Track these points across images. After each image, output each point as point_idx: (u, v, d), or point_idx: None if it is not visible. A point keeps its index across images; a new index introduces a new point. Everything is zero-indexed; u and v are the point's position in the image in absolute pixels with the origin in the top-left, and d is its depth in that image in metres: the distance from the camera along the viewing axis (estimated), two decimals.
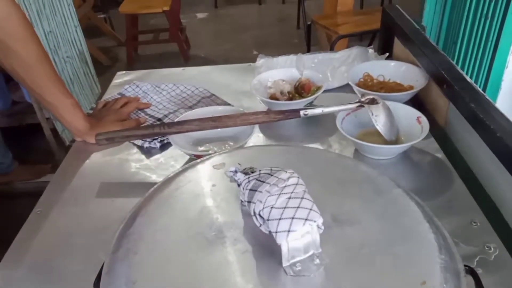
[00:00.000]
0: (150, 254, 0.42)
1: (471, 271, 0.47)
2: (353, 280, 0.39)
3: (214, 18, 3.86)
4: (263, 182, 0.43)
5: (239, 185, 0.47)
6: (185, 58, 2.94)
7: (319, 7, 3.15)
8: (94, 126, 0.74)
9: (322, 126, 0.77)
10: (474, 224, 0.55)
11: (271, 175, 0.43)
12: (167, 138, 0.73)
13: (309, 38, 2.49)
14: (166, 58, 3.01)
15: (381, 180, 0.51)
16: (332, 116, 0.72)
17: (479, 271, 0.48)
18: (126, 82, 0.96)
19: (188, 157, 0.70)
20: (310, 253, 0.41)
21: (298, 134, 0.77)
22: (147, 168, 0.70)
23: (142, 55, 3.07)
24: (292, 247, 0.40)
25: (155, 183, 0.51)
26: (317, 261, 0.40)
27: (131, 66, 2.88)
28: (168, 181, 0.52)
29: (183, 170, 0.54)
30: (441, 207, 0.55)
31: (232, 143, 0.70)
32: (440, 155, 0.68)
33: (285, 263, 0.40)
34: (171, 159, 0.71)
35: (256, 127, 0.71)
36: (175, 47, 2.92)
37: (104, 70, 2.73)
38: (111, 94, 0.92)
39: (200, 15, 3.89)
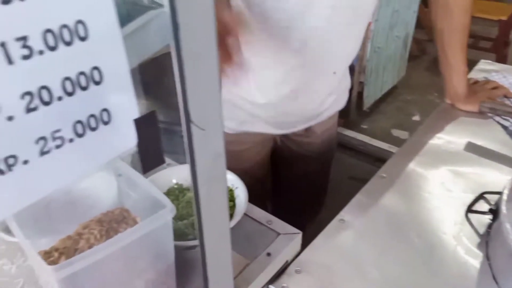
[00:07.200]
0: None
1: None
2: None
3: None
4: None
5: None
6: None
7: None
8: (468, 97, 0.83)
9: None
10: None
11: None
12: None
13: None
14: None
15: None
16: None
17: None
18: (490, 70, 1.01)
19: None
20: None
21: None
22: None
23: None
24: None
25: None
26: None
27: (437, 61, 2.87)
28: None
29: None
30: None
31: None
32: None
33: None
34: None
35: None
36: (488, 56, 2.73)
37: (410, 58, 2.82)
38: (475, 75, 0.99)
39: None
